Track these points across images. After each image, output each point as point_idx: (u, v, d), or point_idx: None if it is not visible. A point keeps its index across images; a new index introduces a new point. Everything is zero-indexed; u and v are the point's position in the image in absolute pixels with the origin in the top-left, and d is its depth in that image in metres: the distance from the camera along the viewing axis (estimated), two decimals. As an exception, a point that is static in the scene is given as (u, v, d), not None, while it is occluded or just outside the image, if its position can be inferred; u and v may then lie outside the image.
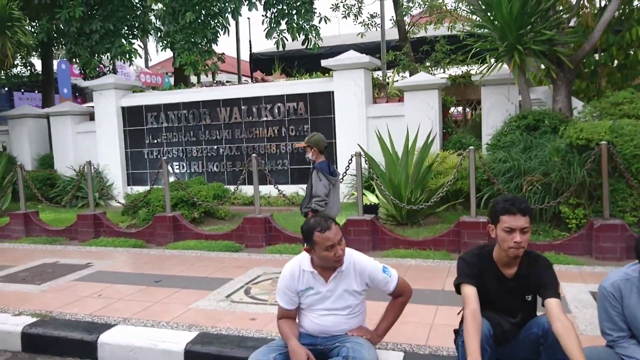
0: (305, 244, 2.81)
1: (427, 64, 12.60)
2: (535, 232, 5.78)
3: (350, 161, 6.05)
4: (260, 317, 3.84)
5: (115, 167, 10.45)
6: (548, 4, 6.83)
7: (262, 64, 15.97)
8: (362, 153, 6.16)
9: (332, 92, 8.92)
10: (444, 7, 12.17)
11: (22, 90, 16.19)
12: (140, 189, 10.27)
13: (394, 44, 13.02)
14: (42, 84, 14.59)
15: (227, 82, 12.67)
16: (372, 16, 12.63)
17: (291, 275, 2.85)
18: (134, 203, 7.87)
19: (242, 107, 9.58)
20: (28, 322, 3.90)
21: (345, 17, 12.65)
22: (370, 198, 7.24)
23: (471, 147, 5.74)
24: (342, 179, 5.57)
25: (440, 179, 7.14)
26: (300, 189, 8.78)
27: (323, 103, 9.07)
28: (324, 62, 8.88)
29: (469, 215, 5.75)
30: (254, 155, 6.62)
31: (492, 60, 7.37)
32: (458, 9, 12.10)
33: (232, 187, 7.60)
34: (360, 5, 12.55)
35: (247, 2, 10.31)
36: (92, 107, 11.84)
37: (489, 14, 7.13)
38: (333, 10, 12.57)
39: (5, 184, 9.55)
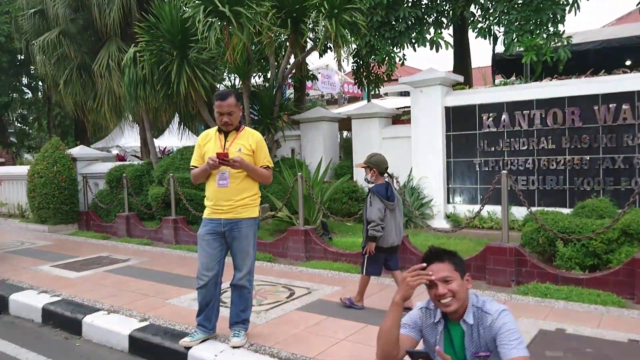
0: None
1: None
2: None
3: None
4: None
5: (435, 180, 8.53)
6: None
7: (506, 67, 13.36)
8: None
9: None
10: None
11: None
12: (465, 208, 8.25)
13: None
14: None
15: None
16: None
17: None
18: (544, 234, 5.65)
19: (638, 104, 6.97)
20: None
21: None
22: None
23: None
24: None
25: None
26: None
27: None
28: None
29: None
30: None
31: None
32: None
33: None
34: None
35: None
36: (397, 108, 10.23)
37: None
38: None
39: (325, 200, 8.13)
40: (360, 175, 9.47)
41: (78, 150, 10.51)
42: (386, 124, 9.47)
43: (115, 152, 15.35)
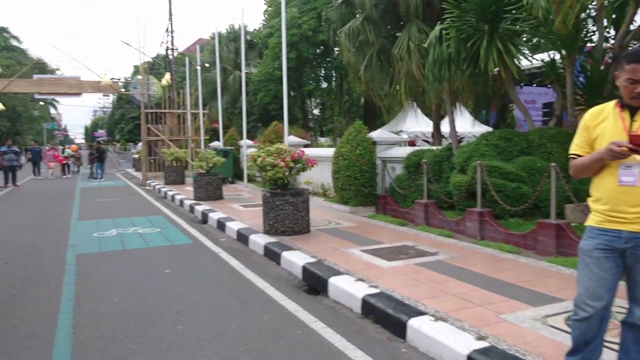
0: None
1: None
2: None
3: None
4: None
5: None
6: None
7: None
8: None
9: None
10: None
11: (521, 84, 12.46)
12: None
13: None
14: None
15: None
16: None
17: None
18: None
19: None
20: None
21: None
22: None
23: None
24: None
25: None
26: None
27: None
28: None
29: None
30: None
31: None
32: None
33: None
34: None
35: None
36: None
37: None
38: None
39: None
40: None
41: (378, 134, 10.59)
42: None
43: (404, 136, 15.37)
